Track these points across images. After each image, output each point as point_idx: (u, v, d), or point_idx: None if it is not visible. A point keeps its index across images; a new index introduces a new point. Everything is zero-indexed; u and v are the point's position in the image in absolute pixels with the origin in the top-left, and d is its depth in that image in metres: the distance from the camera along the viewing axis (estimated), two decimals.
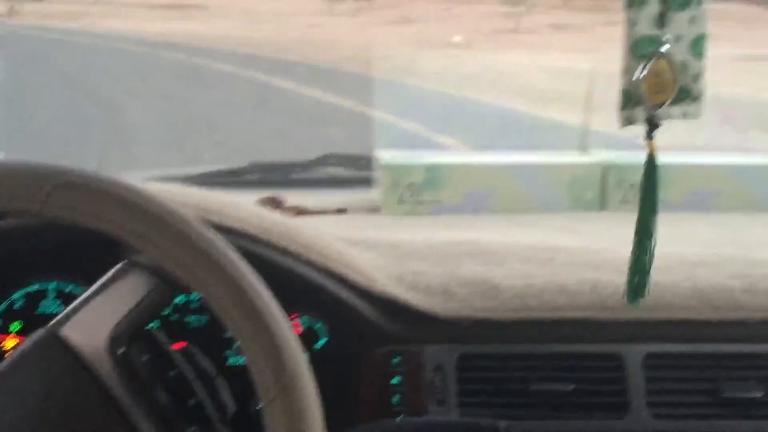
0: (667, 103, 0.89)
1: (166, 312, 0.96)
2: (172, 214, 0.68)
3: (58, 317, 0.75)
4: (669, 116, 0.90)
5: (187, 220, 0.68)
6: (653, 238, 0.90)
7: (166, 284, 0.75)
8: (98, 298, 0.75)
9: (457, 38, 10.54)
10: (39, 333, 0.73)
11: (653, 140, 0.89)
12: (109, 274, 0.76)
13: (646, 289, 0.90)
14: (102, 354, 0.72)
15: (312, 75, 7.83)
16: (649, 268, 0.90)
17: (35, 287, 0.95)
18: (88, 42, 11.47)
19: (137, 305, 0.74)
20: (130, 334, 0.74)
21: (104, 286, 0.75)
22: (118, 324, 0.73)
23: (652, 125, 0.89)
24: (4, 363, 0.73)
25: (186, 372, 0.79)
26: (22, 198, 0.65)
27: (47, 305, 0.96)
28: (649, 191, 0.90)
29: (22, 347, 0.74)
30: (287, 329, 0.67)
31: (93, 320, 0.74)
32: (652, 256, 0.90)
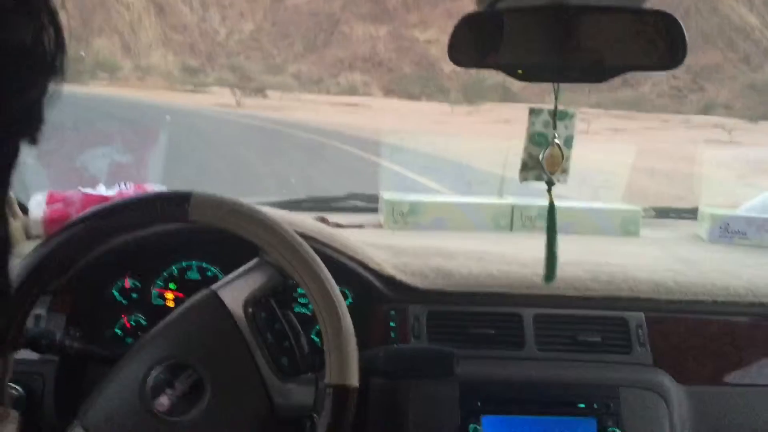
0: (557, 173, 1.19)
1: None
2: (293, 238, 0.96)
3: (218, 283, 1.02)
4: (553, 181, 1.20)
5: (301, 243, 0.96)
6: (556, 247, 1.19)
7: (281, 275, 1.02)
8: (242, 277, 1.03)
9: None
10: (204, 292, 1.02)
11: (551, 192, 1.21)
12: (250, 264, 1.03)
13: (556, 273, 1.19)
14: (240, 310, 1.00)
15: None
16: (556, 261, 1.19)
17: (183, 264, 1.32)
18: (261, 125, 15.93)
19: (263, 285, 1.02)
20: (256, 300, 1.02)
21: (246, 271, 1.03)
22: (251, 293, 1.01)
23: (550, 183, 1.20)
24: (182, 306, 1.02)
25: (285, 327, 1.05)
26: (209, 215, 0.96)
27: (191, 275, 1.32)
28: (551, 221, 1.20)
29: (193, 298, 1.02)
30: (346, 313, 0.94)
31: (238, 289, 1.01)
32: (556, 254, 1.19)
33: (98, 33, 44.88)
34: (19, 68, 0.48)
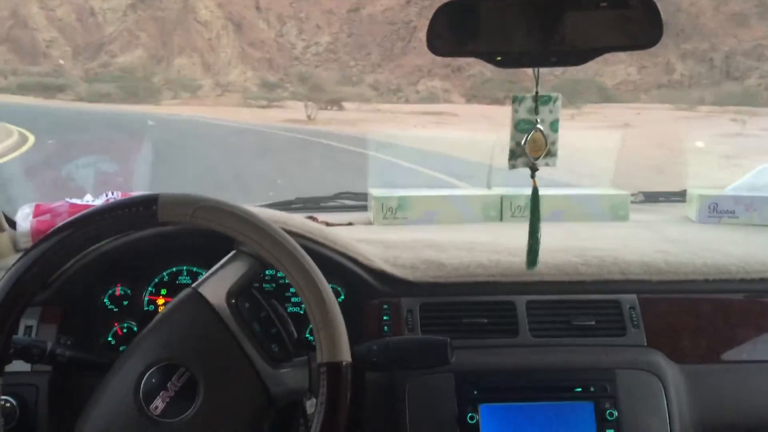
0: (541, 157, 1.20)
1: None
2: (265, 224, 0.97)
3: (198, 281, 1.02)
4: (539, 165, 1.20)
5: (273, 228, 0.97)
6: (539, 233, 1.22)
7: (260, 264, 1.02)
8: (221, 271, 1.03)
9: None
10: (186, 291, 1.03)
11: (535, 178, 1.22)
12: (227, 257, 1.03)
13: (537, 261, 1.23)
14: (222, 303, 1.01)
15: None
16: (538, 249, 1.22)
17: (173, 269, 1.33)
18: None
19: (243, 275, 1.02)
20: (238, 292, 1.02)
21: (224, 264, 1.03)
22: (231, 285, 1.01)
23: (533, 169, 1.21)
24: (166, 308, 1.02)
25: (270, 314, 1.06)
26: (179, 214, 0.95)
27: (182, 279, 1.33)
28: (535, 207, 1.22)
29: (176, 299, 1.02)
30: (328, 289, 0.95)
31: (218, 284, 1.02)
32: (539, 240, 1.22)
33: (179, 52, 44.85)
34: None
